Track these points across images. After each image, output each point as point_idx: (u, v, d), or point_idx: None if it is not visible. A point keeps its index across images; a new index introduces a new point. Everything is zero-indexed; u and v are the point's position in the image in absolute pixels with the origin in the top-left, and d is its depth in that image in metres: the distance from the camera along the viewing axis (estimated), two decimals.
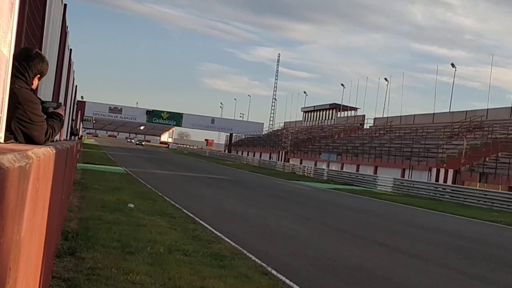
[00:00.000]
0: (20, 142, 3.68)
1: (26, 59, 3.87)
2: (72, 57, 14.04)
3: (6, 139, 3.52)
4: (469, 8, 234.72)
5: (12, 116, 3.55)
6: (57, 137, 8.64)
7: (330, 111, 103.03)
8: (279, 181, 47.77)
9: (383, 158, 61.68)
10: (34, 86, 3.98)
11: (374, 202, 33.48)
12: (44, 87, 5.86)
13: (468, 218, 27.05)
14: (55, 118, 4.27)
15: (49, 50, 5.88)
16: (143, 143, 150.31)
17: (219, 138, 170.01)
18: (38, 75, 3.99)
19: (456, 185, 44.56)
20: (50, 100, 6.85)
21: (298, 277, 9.86)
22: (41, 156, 2.60)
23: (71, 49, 12.83)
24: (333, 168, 64.80)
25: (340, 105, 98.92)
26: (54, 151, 3.61)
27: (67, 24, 9.28)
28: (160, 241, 11.21)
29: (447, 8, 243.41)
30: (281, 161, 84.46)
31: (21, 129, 3.72)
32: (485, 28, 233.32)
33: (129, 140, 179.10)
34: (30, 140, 3.77)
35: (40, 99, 4.26)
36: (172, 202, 19.72)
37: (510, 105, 61.46)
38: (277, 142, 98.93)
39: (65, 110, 4.72)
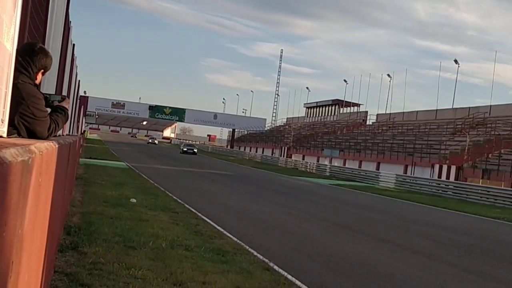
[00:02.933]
0: (23, 137, 3.69)
1: (29, 54, 3.87)
2: (75, 52, 14.03)
3: (9, 134, 3.52)
4: (472, 4, 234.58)
5: (15, 111, 3.56)
6: (60, 132, 8.66)
7: (333, 107, 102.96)
8: (281, 177, 47.76)
9: (386, 154, 61.63)
10: (37, 81, 3.98)
11: (376, 198, 33.48)
12: (47, 82, 5.87)
13: (470, 215, 27.02)
14: (59, 111, 4.27)
15: (52, 44, 5.88)
16: (156, 141, 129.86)
17: (222, 133, 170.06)
18: (42, 70, 3.99)
19: (458, 182, 44.53)
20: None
21: (300, 272, 9.86)
22: (44, 150, 2.60)
23: (74, 44, 12.82)
24: (336, 164, 64.76)
25: (342, 101, 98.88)
26: (56, 146, 3.62)
27: (70, 19, 9.28)
28: (162, 236, 11.23)
29: (450, 4, 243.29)
30: (283, 157, 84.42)
31: (24, 124, 3.73)
32: (488, 24, 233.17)
33: (132, 135, 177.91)
34: (33, 135, 3.78)
35: (43, 93, 4.26)
36: (174, 197, 19.75)
37: None
38: (280, 138, 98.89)
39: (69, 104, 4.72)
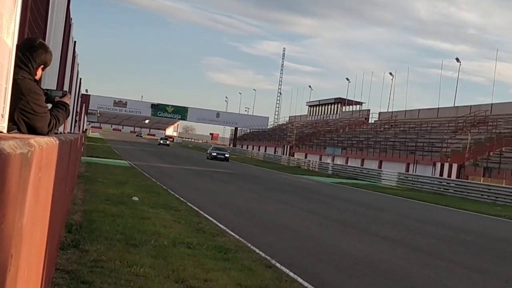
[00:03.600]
0: (23, 133, 3.69)
1: (29, 50, 3.86)
2: (76, 50, 14.04)
3: (9, 130, 3.52)
4: (473, 3, 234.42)
5: (15, 107, 3.55)
6: (61, 129, 8.65)
7: (335, 106, 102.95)
8: (284, 175, 47.78)
9: (388, 153, 61.61)
10: (37, 77, 3.98)
11: (378, 196, 33.47)
12: (48, 79, 5.87)
13: (471, 212, 27.02)
14: (60, 107, 4.26)
15: (53, 41, 5.88)
16: (168, 142, 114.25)
17: (224, 132, 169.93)
18: (42, 66, 3.98)
19: (460, 180, 44.53)
20: None
21: (301, 270, 9.85)
22: (44, 145, 2.60)
23: (75, 41, 12.83)
24: (338, 162, 64.79)
25: (345, 99, 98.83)
26: (57, 142, 3.62)
27: (71, 16, 9.28)
28: (164, 234, 11.21)
29: (451, 2, 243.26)
30: (286, 155, 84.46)
31: (24, 120, 3.72)
32: (489, 23, 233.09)
33: (137, 134, 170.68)
34: (33, 131, 3.77)
35: (44, 89, 4.26)
36: (176, 195, 19.74)
37: None
38: (282, 136, 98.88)
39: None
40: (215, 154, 65.83)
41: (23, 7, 3.52)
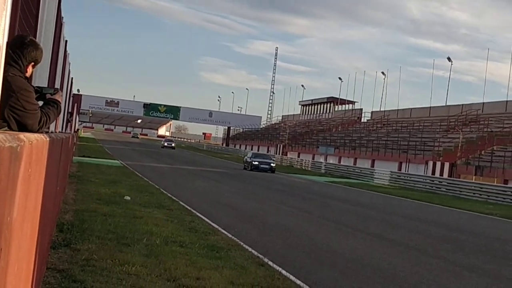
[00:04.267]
0: (13, 130, 3.69)
1: (20, 47, 3.86)
2: (67, 49, 14.00)
3: (0, 127, 3.53)
4: (464, 2, 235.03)
5: (5, 104, 3.55)
6: (52, 127, 8.64)
7: (328, 105, 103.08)
8: (276, 174, 47.77)
9: (380, 152, 61.74)
10: (28, 74, 3.97)
11: (371, 195, 33.52)
12: (38, 77, 5.86)
13: (463, 211, 27.11)
14: (51, 104, 4.26)
15: (44, 39, 5.87)
16: (173, 144, 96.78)
17: (217, 131, 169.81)
18: (32, 63, 3.98)
19: (452, 178, 44.67)
20: None
21: (294, 268, 9.86)
22: (34, 141, 2.60)
23: (66, 40, 12.80)
24: (331, 161, 64.88)
25: (337, 98, 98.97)
26: (47, 139, 3.62)
27: (62, 15, 9.26)
28: (156, 233, 11.20)
29: (442, 2, 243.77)
30: (279, 154, 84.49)
31: (15, 117, 3.72)
32: (480, 23, 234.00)
33: (132, 135, 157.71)
34: (23, 128, 3.77)
35: (35, 86, 4.26)
36: (169, 194, 19.71)
37: (505, 99, 61.68)
38: (275, 136, 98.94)
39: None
40: (256, 163, 50.17)
41: (14, 5, 3.52)
